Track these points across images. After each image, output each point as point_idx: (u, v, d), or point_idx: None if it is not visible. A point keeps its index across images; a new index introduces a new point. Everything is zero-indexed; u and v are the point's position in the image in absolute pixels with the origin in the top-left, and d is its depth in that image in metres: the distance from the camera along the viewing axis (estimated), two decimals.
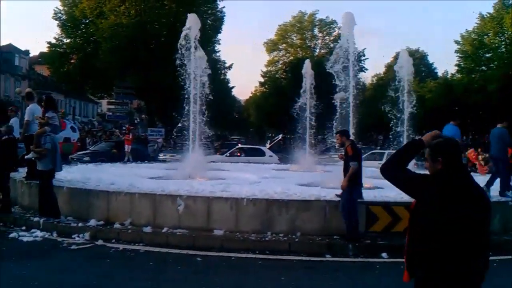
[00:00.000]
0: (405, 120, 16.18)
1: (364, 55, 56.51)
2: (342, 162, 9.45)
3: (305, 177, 14.08)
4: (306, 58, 32.21)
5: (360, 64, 49.62)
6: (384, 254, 8.16)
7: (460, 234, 3.06)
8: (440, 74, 69.47)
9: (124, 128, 38.61)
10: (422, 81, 61.61)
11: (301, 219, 9.14)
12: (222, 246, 8.52)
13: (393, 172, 3.39)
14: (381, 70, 75.50)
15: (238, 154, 26.37)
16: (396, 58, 32.12)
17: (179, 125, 15.17)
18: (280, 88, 60.74)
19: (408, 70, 16.79)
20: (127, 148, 24.00)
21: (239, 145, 33.86)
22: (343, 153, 9.48)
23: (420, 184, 3.26)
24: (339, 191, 8.95)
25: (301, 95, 20.56)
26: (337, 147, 13.67)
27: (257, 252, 8.31)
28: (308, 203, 9.45)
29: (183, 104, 14.97)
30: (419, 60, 66.81)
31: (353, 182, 8.73)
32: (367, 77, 72.59)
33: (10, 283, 6.55)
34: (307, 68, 20.89)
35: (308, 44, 66.18)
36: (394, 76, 16.93)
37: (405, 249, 3.29)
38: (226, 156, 25.54)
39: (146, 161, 21.33)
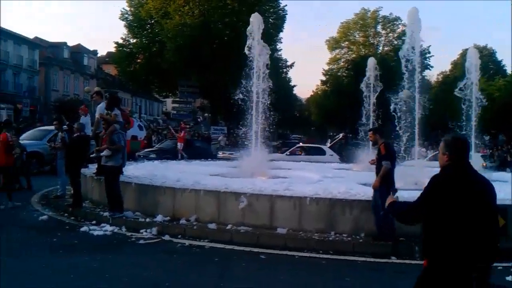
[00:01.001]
0: (473, 119, 15.70)
1: (429, 52, 55.04)
2: (405, 162, 9.24)
3: (368, 177, 13.87)
4: (369, 56, 31.77)
5: (425, 61, 48.41)
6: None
7: (470, 217, 3.41)
8: (509, 71, 66.70)
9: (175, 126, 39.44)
10: (490, 79, 59.30)
11: (366, 219, 9.02)
12: (285, 245, 8.56)
13: (412, 220, 3.85)
14: (447, 67, 73.50)
15: (299, 153, 26.34)
16: (463, 55, 31.09)
17: (237, 128, 15.32)
18: (342, 86, 60.18)
19: (477, 67, 16.29)
20: (180, 146, 24.43)
21: (300, 144, 33.79)
22: (374, 159, 9.30)
23: (434, 192, 3.54)
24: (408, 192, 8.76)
25: (364, 93, 20.33)
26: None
27: (320, 251, 8.29)
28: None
29: (245, 103, 15.11)
30: (487, 57, 64.31)
31: (385, 182, 8.50)
32: (433, 75, 70.73)
33: (82, 275, 6.85)
34: (370, 66, 20.60)
35: (371, 41, 65.20)
36: (463, 73, 16.45)
37: (422, 239, 3.63)
38: (286, 154, 25.56)
39: (209, 159, 21.66)
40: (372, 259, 7.98)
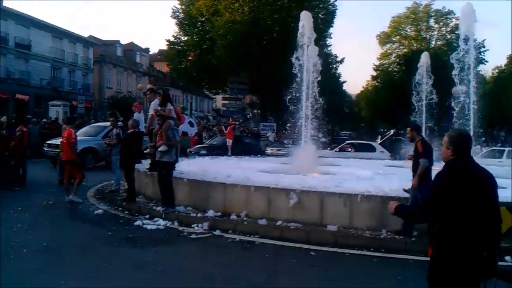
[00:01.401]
0: None
1: (483, 47, 53.33)
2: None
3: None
4: (421, 50, 31.15)
5: (480, 56, 46.92)
6: (507, 258, 7.73)
7: (474, 205, 3.62)
8: None
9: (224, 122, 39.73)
10: None
11: None
12: (336, 242, 8.52)
13: (426, 218, 4.05)
14: (503, 62, 71.08)
15: (349, 149, 26.06)
16: None
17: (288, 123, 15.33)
18: (393, 81, 59.17)
19: None
20: (229, 142, 24.58)
21: (350, 140, 33.42)
22: (412, 153, 9.13)
23: (441, 187, 3.72)
24: None
25: (416, 88, 19.95)
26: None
27: (371, 249, 8.22)
28: None
29: (295, 99, 15.10)
30: None
31: (423, 180, 8.32)
32: (487, 69, 68.54)
33: (137, 267, 7.06)
34: (423, 61, 20.18)
35: (424, 35, 63.84)
36: None
37: (427, 230, 4.02)
38: (335, 151, 25.33)
39: (258, 155, 21.75)
40: (424, 258, 7.82)
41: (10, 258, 7.33)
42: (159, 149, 10.90)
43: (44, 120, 26.50)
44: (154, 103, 12.72)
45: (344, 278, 6.82)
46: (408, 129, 9.50)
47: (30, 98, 47.85)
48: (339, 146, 26.68)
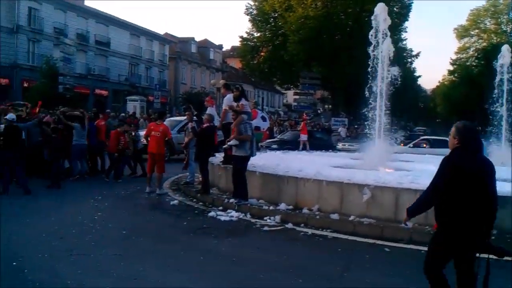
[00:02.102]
0: None
1: None
2: None
3: (500, 172, 13.06)
4: (501, 44, 29.71)
5: None
6: None
7: (474, 186, 4.27)
8: None
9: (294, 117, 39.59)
10: None
11: (499, 215, 8.50)
12: (411, 239, 8.32)
13: (433, 200, 4.50)
14: None
15: (424, 145, 25.32)
16: None
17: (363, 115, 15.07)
18: (471, 76, 56.92)
19: None
20: (303, 137, 24.48)
21: (424, 136, 32.45)
22: None
23: (446, 170, 4.37)
24: None
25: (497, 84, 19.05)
26: None
27: None
28: (503, 199, 8.76)
29: (368, 94, 14.85)
30: None
31: None
32: None
33: (212, 257, 7.23)
34: (505, 53, 19.21)
35: (504, 29, 60.88)
36: None
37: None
38: (409, 147, 24.69)
39: (330, 150, 21.59)
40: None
41: (91, 244, 7.71)
42: (229, 143, 11.10)
43: (123, 114, 27.51)
44: (227, 98, 12.91)
45: (418, 276, 6.65)
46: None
47: (109, 93, 49.91)
48: (414, 142, 25.99)
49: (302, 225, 9.26)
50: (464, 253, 4.41)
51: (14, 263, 6.53)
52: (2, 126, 12.59)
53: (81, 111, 16.23)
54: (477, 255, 4.40)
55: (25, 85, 39.28)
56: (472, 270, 4.46)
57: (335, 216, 9.39)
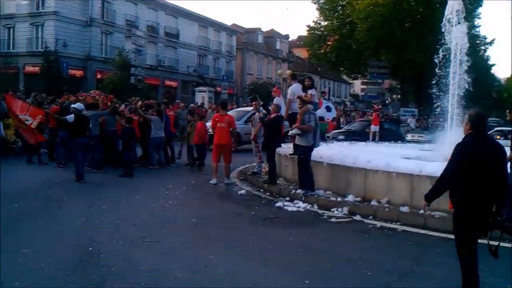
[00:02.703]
0: None
1: None
2: None
3: None
4: None
5: None
6: None
7: (485, 170, 4.72)
8: None
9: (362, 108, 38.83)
10: None
11: None
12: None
13: (449, 187, 4.99)
14: None
15: (498, 137, 24.28)
16: None
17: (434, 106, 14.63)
18: None
19: None
20: (373, 128, 24.04)
21: (498, 127, 31.09)
22: None
23: (463, 152, 4.82)
24: None
25: None
26: None
27: None
28: None
29: (439, 83, 14.39)
30: None
31: None
32: None
33: (279, 246, 7.29)
34: None
35: None
36: None
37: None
38: None
39: (398, 141, 21.12)
40: None
41: (163, 232, 7.94)
42: (290, 132, 11.12)
43: (192, 105, 28.05)
44: (293, 88, 12.92)
45: (492, 271, 6.43)
46: (508, 111, 9.13)
47: (178, 84, 50.97)
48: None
49: (371, 217, 9.14)
50: (477, 230, 4.95)
51: (90, 249, 6.83)
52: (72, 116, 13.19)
53: (159, 104, 16.70)
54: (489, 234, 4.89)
55: (99, 76, 40.81)
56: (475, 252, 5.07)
57: (405, 209, 9.20)
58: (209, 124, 15.23)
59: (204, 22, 55.45)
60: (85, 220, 8.46)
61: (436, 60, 14.19)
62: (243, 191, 11.77)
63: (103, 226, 8.21)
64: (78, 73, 40.55)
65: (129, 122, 14.20)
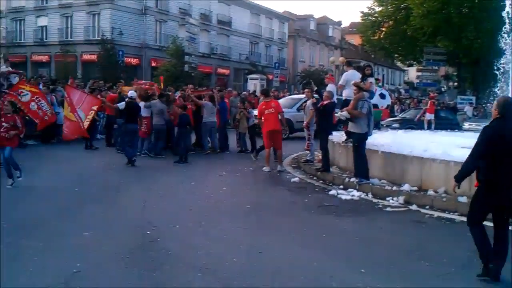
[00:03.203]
0: None
1: None
2: None
3: None
4: None
5: None
6: None
7: (509, 151, 5.20)
8: None
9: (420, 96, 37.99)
10: None
11: None
12: None
13: (476, 167, 5.46)
14: None
15: None
16: None
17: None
18: None
19: None
20: (428, 116, 23.44)
21: None
22: None
23: (491, 134, 5.31)
24: None
25: None
26: None
27: None
28: None
29: (498, 69, 13.90)
30: None
31: None
32: None
33: (334, 234, 7.28)
34: None
35: None
36: None
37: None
38: None
39: (455, 130, 20.56)
40: None
41: (218, 218, 8.07)
42: (338, 114, 11.02)
43: (244, 92, 28.18)
44: (348, 74, 12.80)
45: None
46: None
47: (230, 72, 51.28)
48: None
49: (427, 207, 8.96)
50: (501, 204, 5.37)
51: (148, 232, 7.02)
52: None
53: (212, 89, 16.92)
54: None
55: (153, 64, 41.55)
56: (507, 224, 5.51)
57: (463, 199, 8.93)
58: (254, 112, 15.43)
59: (256, 10, 55.42)
60: (143, 205, 8.68)
61: (504, 44, 13.71)
62: (296, 179, 11.77)
63: (160, 211, 8.41)
64: (134, 61, 41.43)
65: (184, 110, 14.41)
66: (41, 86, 17.42)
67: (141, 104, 14.48)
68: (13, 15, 46.00)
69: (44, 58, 43.77)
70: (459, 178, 5.55)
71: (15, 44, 44.85)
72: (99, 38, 38.20)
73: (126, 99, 13.84)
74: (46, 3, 43.93)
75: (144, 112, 14.52)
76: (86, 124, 14.31)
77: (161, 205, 8.85)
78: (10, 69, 17.69)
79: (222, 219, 7.96)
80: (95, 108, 14.64)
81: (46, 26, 43.98)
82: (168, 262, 5.87)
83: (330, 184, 11.21)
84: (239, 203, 9.17)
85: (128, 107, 13.57)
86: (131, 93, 14.02)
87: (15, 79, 16.32)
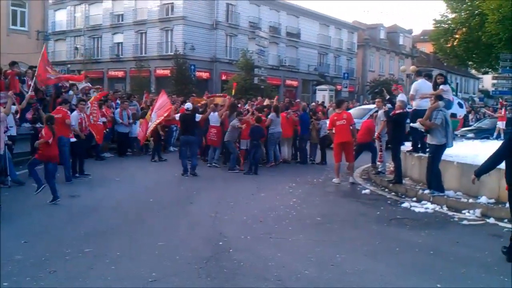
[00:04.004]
0: None
1: None
2: None
3: None
4: None
5: None
6: None
7: None
8: None
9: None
10: None
11: None
12: None
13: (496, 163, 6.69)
14: None
15: None
16: None
17: None
18: None
19: None
20: (501, 124, 22.47)
21: None
22: None
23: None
24: None
25: None
26: None
27: None
28: None
29: None
30: None
31: None
32: None
33: (407, 248, 7.12)
34: None
35: None
36: None
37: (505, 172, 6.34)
38: None
39: None
40: None
41: (289, 229, 8.10)
42: (411, 124, 10.79)
43: (313, 103, 28.14)
44: (418, 84, 12.58)
45: None
46: None
47: (299, 83, 51.37)
48: None
49: (506, 220, 8.59)
50: None
51: (220, 243, 7.14)
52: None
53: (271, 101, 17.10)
54: None
55: (223, 77, 42.29)
56: None
57: None
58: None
59: (325, 20, 55.29)
60: (215, 216, 8.85)
61: None
62: (367, 191, 11.63)
63: (231, 222, 8.53)
64: (205, 74, 42.35)
65: (258, 122, 14.58)
66: (118, 101, 18.19)
67: (211, 114, 14.93)
68: (91, 33, 48.26)
69: (120, 73, 45.57)
70: (478, 174, 6.84)
71: (93, 60, 46.96)
72: (172, 53, 39.31)
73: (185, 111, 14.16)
74: (122, 20, 45.76)
75: (213, 121, 14.87)
76: (152, 126, 15.13)
77: (231, 215, 8.98)
78: (89, 85, 18.54)
79: (293, 230, 7.97)
80: (165, 114, 15.18)
81: (121, 42, 45.82)
82: (240, 273, 5.96)
83: (403, 196, 10.99)
84: (309, 214, 9.16)
85: (182, 120, 14.05)
86: (188, 105, 14.43)
87: (93, 94, 17.09)
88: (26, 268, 5.95)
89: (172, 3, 41.79)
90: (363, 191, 11.58)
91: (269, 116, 15.36)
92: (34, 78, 14.20)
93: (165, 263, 6.23)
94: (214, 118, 15.01)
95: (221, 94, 22.53)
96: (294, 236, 7.60)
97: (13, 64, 14.72)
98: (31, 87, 13.89)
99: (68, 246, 6.80)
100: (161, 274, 5.83)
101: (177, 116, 14.93)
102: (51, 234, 7.53)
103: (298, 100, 29.94)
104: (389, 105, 12.96)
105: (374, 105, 16.17)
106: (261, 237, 7.53)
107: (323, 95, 41.10)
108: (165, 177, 13.37)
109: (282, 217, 8.90)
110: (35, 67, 14.28)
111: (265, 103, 18.28)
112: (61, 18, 50.46)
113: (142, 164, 15.63)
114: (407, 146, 13.02)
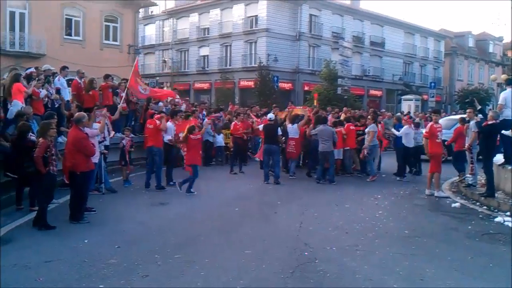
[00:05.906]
0: None
1: None
2: None
3: None
4: None
5: None
6: None
7: None
8: None
9: None
10: None
11: None
12: None
13: None
14: None
15: None
16: None
17: None
18: None
19: None
20: None
21: None
22: None
23: None
24: None
25: None
26: None
27: None
28: None
29: None
30: None
31: None
32: None
33: (502, 264, 6.82)
34: None
35: None
36: None
37: None
38: None
39: None
40: None
41: (375, 241, 7.96)
42: (503, 132, 10.36)
43: (398, 114, 27.51)
44: (505, 93, 12.04)
45: None
46: None
47: (383, 93, 50.39)
48: None
49: None
50: None
51: (306, 253, 7.15)
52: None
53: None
54: None
55: (306, 88, 42.29)
56: None
57: None
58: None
59: (410, 29, 53.96)
60: (299, 226, 8.87)
61: None
62: (456, 204, 11.23)
63: (316, 232, 8.51)
64: (287, 85, 42.53)
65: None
66: (204, 113, 18.70)
67: (289, 126, 14.99)
68: (178, 46, 49.90)
69: (205, 85, 46.72)
70: None
71: (180, 73, 48.51)
72: (256, 65, 39.85)
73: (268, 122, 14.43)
74: (208, 34, 46.96)
75: (292, 134, 14.91)
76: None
77: (316, 226, 8.96)
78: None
79: (380, 243, 7.83)
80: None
81: (207, 55, 46.99)
82: (326, 284, 5.94)
83: (495, 210, 10.51)
84: (396, 227, 8.96)
85: (265, 129, 14.39)
86: (270, 115, 14.58)
87: (183, 107, 17.66)
88: (120, 272, 6.25)
89: (256, 15, 42.36)
90: (453, 205, 11.19)
91: (369, 128, 15.09)
92: (126, 90, 14.84)
93: (252, 271, 6.33)
94: (293, 130, 14.99)
95: (302, 106, 22.58)
96: (381, 249, 7.46)
97: (107, 77, 15.57)
98: (123, 99, 14.55)
99: (159, 252, 7.07)
100: (248, 281, 5.93)
101: (260, 126, 15.17)
102: (142, 240, 7.86)
103: (383, 110, 29.47)
104: (480, 115, 12.46)
105: (466, 115, 15.56)
106: (347, 249, 7.46)
107: (408, 104, 40.08)
108: (248, 187, 13.55)
109: (368, 229, 8.76)
110: (127, 79, 14.93)
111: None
112: (150, 32, 52.56)
113: (223, 174, 15.92)
114: (499, 158, 12.44)
